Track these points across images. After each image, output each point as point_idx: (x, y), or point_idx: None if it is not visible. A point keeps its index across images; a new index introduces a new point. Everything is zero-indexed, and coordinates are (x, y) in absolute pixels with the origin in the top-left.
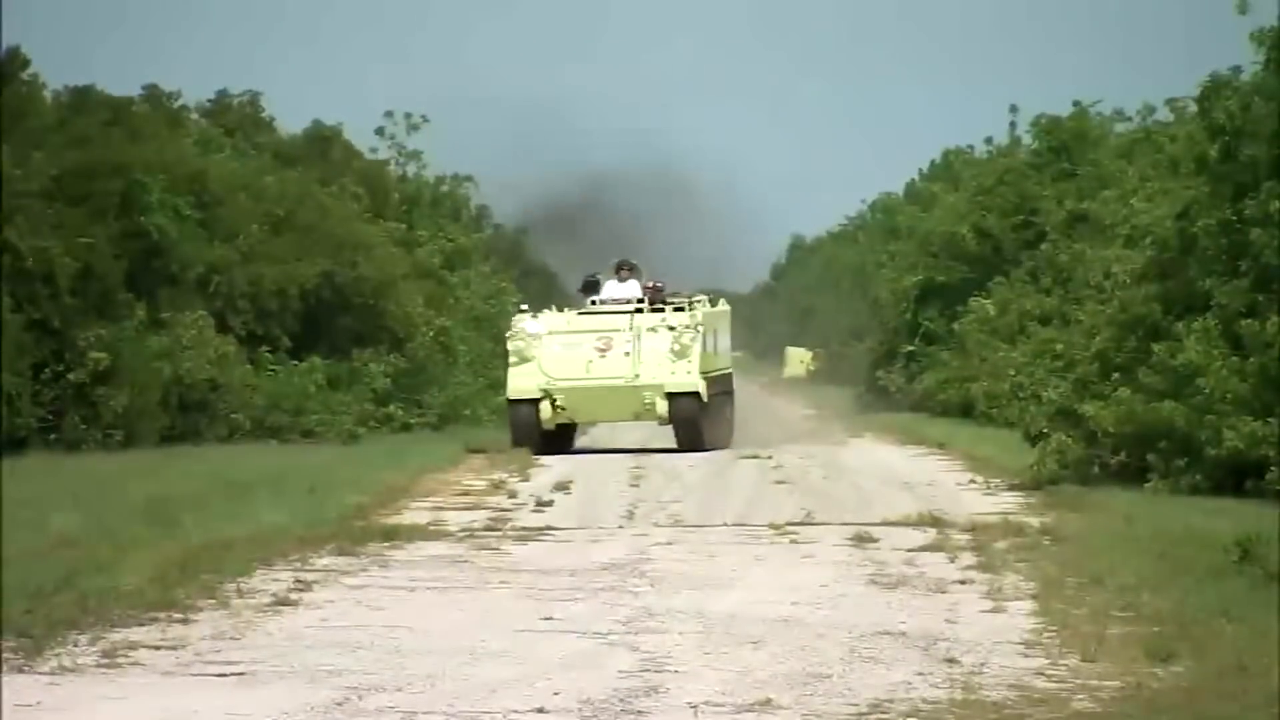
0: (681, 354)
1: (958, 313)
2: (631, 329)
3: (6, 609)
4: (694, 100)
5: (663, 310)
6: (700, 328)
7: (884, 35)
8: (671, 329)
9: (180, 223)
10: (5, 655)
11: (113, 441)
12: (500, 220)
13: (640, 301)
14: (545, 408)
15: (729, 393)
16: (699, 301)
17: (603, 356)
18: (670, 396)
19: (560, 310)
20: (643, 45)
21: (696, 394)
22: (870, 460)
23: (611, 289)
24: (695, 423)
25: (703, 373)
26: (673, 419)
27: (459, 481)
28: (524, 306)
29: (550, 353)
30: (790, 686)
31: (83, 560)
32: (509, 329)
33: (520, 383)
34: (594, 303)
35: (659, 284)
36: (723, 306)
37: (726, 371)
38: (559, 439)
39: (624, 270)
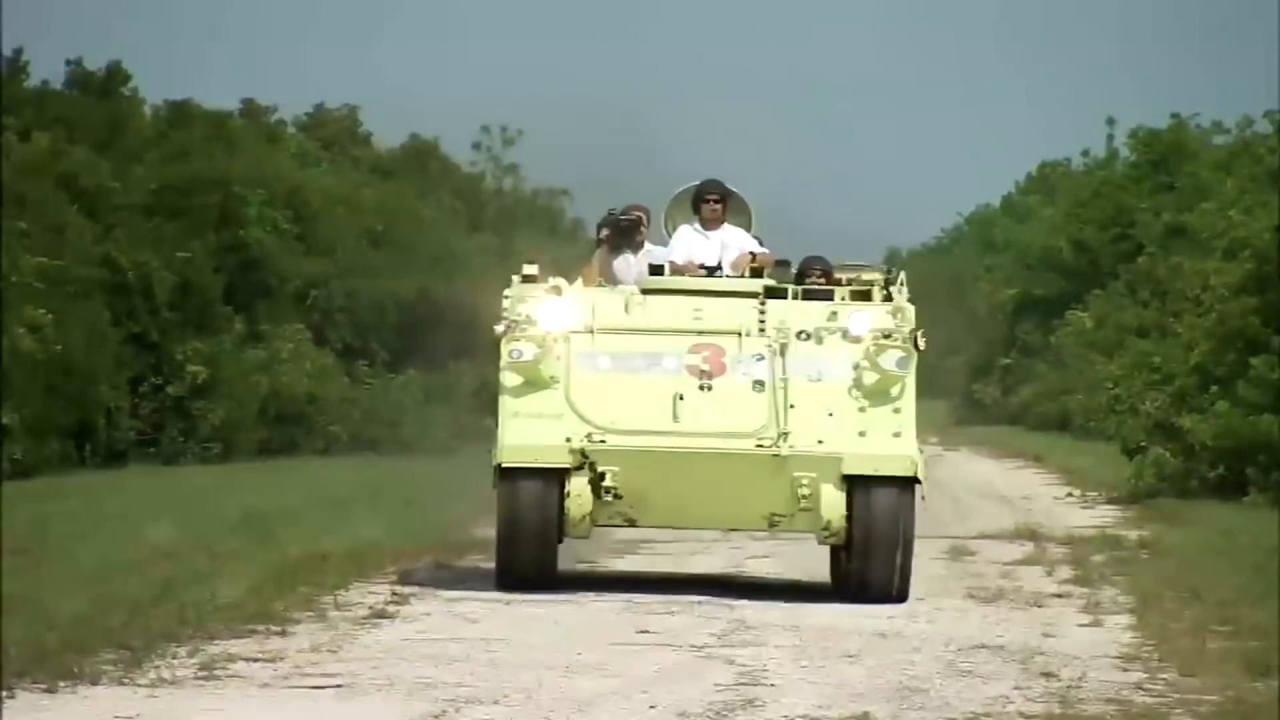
0: (879, 394)
1: (1054, 325)
2: (765, 333)
3: (106, 621)
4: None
5: (829, 296)
6: (920, 335)
7: (980, 47)
8: (854, 339)
9: (278, 236)
10: (105, 667)
11: (211, 454)
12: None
13: (753, 271)
14: (580, 490)
15: None
16: (897, 280)
17: (705, 389)
18: (855, 483)
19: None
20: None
21: (912, 479)
22: (967, 473)
23: (689, 241)
24: (901, 538)
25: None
26: (855, 530)
27: None
28: (530, 269)
29: (591, 373)
30: (887, 700)
31: (181, 572)
32: (503, 310)
33: (527, 434)
34: (657, 270)
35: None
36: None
37: None
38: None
39: (713, 202)
